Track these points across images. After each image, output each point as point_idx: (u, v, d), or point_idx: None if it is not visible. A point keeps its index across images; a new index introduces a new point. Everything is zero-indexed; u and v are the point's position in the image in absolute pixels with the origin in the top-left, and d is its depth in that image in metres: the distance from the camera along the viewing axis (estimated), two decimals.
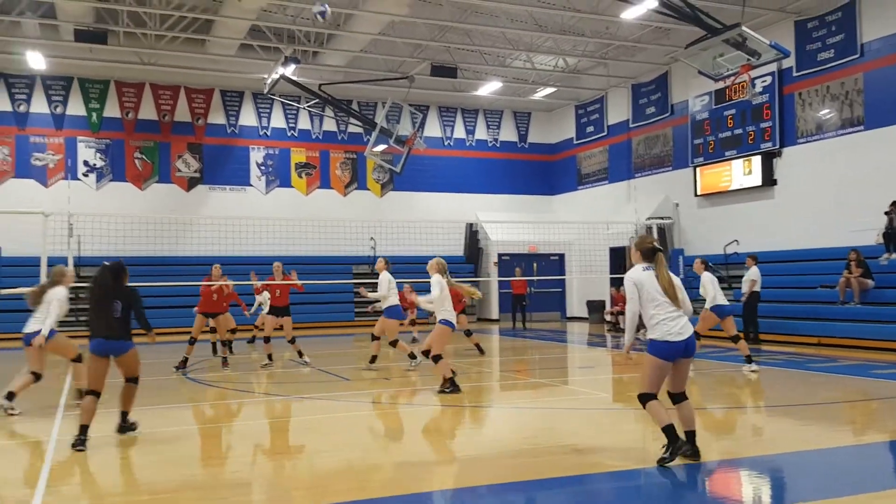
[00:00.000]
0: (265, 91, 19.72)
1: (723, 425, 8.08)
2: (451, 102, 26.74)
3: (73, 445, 6.69)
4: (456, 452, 6.68)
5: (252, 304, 16.45)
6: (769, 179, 18.96)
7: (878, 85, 16.53)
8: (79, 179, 22.71)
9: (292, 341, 12.87)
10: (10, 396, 8.66)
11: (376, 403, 9.77)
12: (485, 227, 25.82)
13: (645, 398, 6.01)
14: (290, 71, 18.01)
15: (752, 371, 11.47)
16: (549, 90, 24.90)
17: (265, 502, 5.47)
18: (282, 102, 23.84)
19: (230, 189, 24.46)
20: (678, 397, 6.10)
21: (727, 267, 19.40)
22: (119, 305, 7.06)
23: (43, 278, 13.05)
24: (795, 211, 18.24)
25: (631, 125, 24.11)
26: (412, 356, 12.34)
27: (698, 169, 21.00)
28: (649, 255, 6.09)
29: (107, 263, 7.29)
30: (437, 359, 9.84)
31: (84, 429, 6.81)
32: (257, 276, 15.36)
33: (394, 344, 12.29)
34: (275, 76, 18.40)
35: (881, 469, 6.21)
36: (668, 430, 5.90)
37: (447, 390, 9.75)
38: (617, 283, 21.19)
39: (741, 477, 5.98)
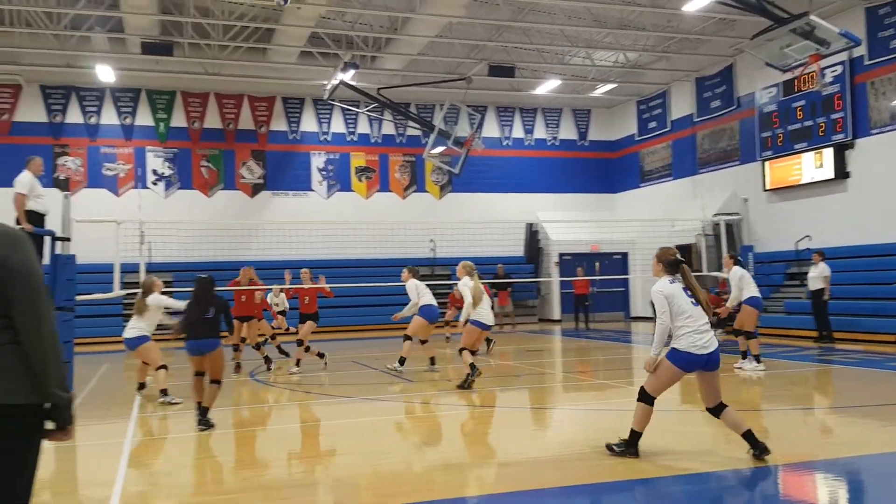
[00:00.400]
0: (325, 97, 19.98)
1: (795, 427, 7.79)
2: (508, 102, 26.62)
3: (199, 423, 7.90)
4: (522, 454, 6.60)
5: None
6: (842, 172, 18.27)
7: None
8: (148, 188, 23.40)
9: (300, 343, 12.59)
10: (164, 392, 9.83)
11: (438, 405, 9.75)
12: (545, 227, 25.60)
13: (644, 397, 6.05)
14: (348, 76, 18.20)
15: (759, 370, 11.06)
16: (610, 86, 24.53)
17: (329, 503, 5.50)
18: (341, 108, 24.10)
19: (292, 194, 24.85)
20: (717, 409, 6.04)
21: (799, 263, 18.78)
22: (212, 311, 8.21)
23: (116, 285, 13.43)
24: (870, 204, 17.52)
25: (695, 119, 23.57)
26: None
27: (767, 163, 20.38)
28: (673, 267, 6.05)
29: (202, 276, 8.48)
30: (461, 350, 10.25)
31: (200, 405, 8.11)
32: (291, 276, 15.14)
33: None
34: (334, 82, 18.63)
35: None
36: (634, 435, 6.05)
37: (467, 380, 10.00)
38: None
39: (814, 480, 5.75)
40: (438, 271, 24.20)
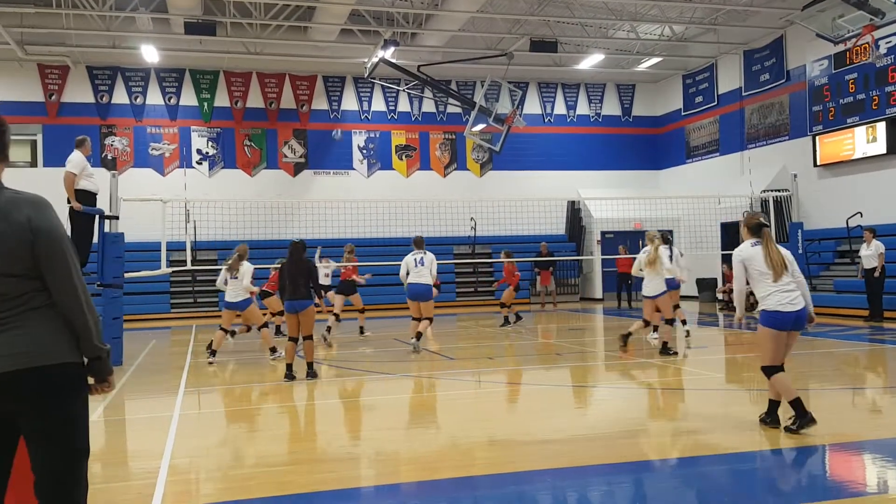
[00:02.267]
0: (365, 75, 19.92)
1: (843, 406, 7.61)
2: (551, 78, 26.28)
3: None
4: (568, 431, 6.58)
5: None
6: (895, 147, 17.68)
7: None
8: (193, 167, 23.73)
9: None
10: (273, 350, 11.51)
11: (480, 382, 9.76)
12: (587, 205, 25.31)
13: (769, 371, 6.13)
14: (389, 54, 18.11)
15: (653, 339, 11.92)
16: (655, 60, 24.03)
17: (372, 477, 5.54)
18: (381, 86, 24.08)
19: (334, 173, 24.97)
20: (772, 370, 6.21)
21: (850, 241, 18.29)
22: (303, 273, 9.38)
23: (163, 263, 13.67)
24: None
25: (743, 93, 23.00)
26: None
27: (818, 138, 19.82)
28: (756, 230, 6.25)
29: (295, 240, 9.67)
30: (666, 321, 11.27)
31: (290, 366, 9.51)
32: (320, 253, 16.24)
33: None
34: (374, 60, 18.55)
35: None
36: (795, 403, 6.00)
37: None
38: (729, 260, 20.36)
39: (859, 459, 5.61)
40: (479, 250, 24.17)
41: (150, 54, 20.82)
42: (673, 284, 12.56)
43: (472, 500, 4.97)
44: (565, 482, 5.18)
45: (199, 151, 24.03)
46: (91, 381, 3.08)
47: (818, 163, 19.83)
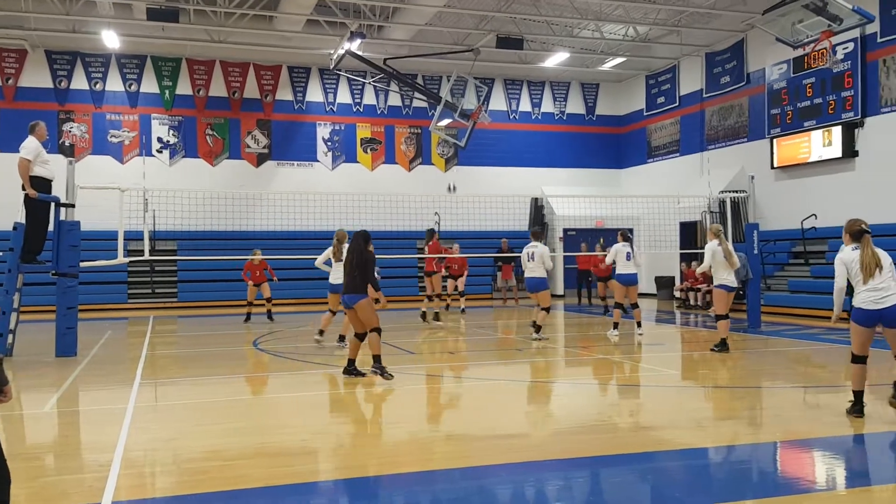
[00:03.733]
0: (331, 67, 19.83)
1: (794, 404, 7.79)
2: (516, 75, 26.39)
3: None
4: (525, 426, 6.63)
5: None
6: (850, 151, 18.12)
7: None
8: (153, 156, 23.35)
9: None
10: (342, 338, 11.80)
11: (441, 377, 9.78)
12: (550, 202, 25.50)
13: (853, 360, 6.69)
14: (355, 46, 18.02)
15: (614, 336, 12.60)
16: (619, 60, 24.28)
17: (330, 471, 5.53)
18: (347, 78, 23.95)
19: (298, 165, 24.78)
20: None
21: (804, 242, 18.71)
22: (356, 266, 8.89)
23: (120, 252, 13.42)
24: (878, 184, 17.38)
25: (704, 95, 23.36)
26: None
27: (775, 140, 20.22)
28: (857, 236, 6.66)
29: (358, 231, 9.20)
30: (717, 318, 11.16)
31: (351, 361, 9.04)
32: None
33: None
34: (340, 52, 18.46)
35: None
36: (857, 395, 6.60)
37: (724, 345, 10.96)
38: (687, 259, 20.70)
39: (809, 456, 5.77)
40: (443, 244, 24.15)
41: (110, 40, 20.41)
42: (630, 280, 12.95)
43: (429, 494, 4.99)
44: (521, 477, 5.23)
45: (159, 140, 23.65)
46: None
47: (775, 165, 20.24)
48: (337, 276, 11.46)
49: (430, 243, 16.76)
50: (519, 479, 5.18)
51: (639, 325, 13.26)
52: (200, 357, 11.67)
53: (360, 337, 9.09)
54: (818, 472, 5.51)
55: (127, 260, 13.47)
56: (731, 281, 11.01)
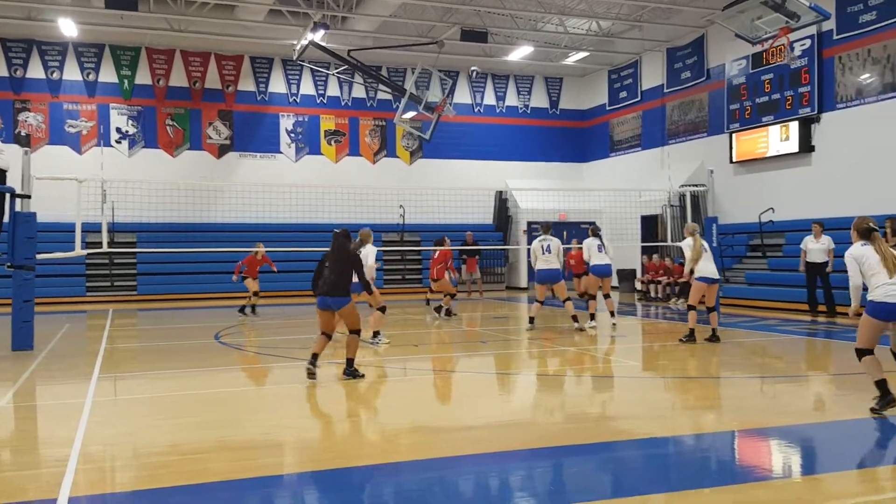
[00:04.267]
0: (294, 58, 19.62)
1: (751, 394, 7.96)
2: (481, 68, 26.39)
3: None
4: (490, 417, 6.68)
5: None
6: (807, 146, 18.51)
7: None
8: (111, 146, 22.93)
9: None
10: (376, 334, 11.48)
11: (406, 369, 9.80)
12: (514, 195, 25.61)
13: (860, 353, 6.59)
14: (318, 37, 17.87)
15: (592, 328, 12.93)
16: (582, 55, 24.46)
17: (293, 464, 5.51)
18: (311, 69, 23.76)
19: (260, 156, 24.52)
20: None
21: (762, 235, 19.07)
22: (338, 267, 8.43)
23: (77, 244, 13.17)
24: (833, 178, 17.79)
25: (665, 90, 23.64)
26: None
27: (734, 135, 20.56)
28: (866, 234, 6.77)
29: (336, 230, 8.70)
30: (688, 307, 11.46)
31: (314, 357, 8.36)
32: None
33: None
34: (304, 42, 18.29)
35: None
36: (881, 385, 6.49)
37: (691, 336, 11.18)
38: (649, 252, 20.96)
39: (766, 444, 5.90)
40: (408, 237, 24.18)
41: (67, 28, 19.97)
42: (605, 271, 13.03)
43: (394, 485, 5.00)
44: (485, 467, 5.28)
45: (118, 130, 23.23)
46: None
47: (734, 159, 20.58)
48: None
49: (441, 250, 16.12)
50: (482, 470, 5.22)
51: (592, 317, 13.30)
52: (161, 351, 11.53)
53: (329, 336, 8.65)
54: (775, 460, 5.64)
55: (85, 252, 13.26)
56: (711, 272, 11.16)
